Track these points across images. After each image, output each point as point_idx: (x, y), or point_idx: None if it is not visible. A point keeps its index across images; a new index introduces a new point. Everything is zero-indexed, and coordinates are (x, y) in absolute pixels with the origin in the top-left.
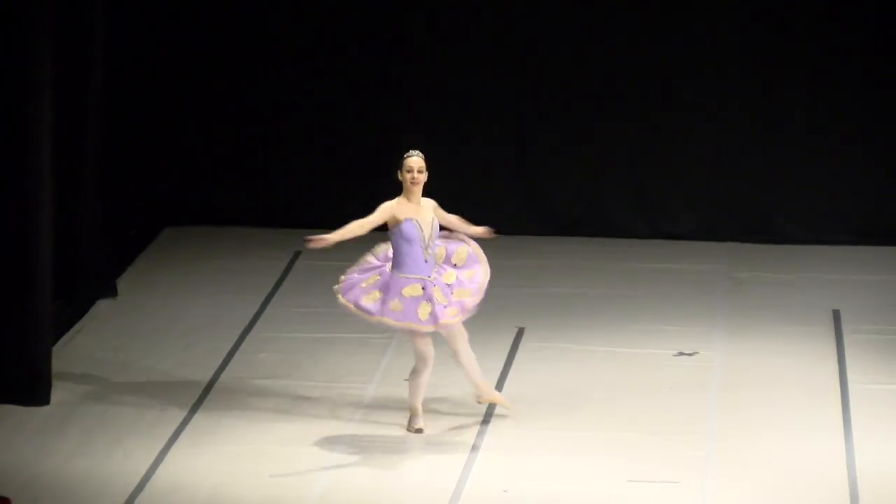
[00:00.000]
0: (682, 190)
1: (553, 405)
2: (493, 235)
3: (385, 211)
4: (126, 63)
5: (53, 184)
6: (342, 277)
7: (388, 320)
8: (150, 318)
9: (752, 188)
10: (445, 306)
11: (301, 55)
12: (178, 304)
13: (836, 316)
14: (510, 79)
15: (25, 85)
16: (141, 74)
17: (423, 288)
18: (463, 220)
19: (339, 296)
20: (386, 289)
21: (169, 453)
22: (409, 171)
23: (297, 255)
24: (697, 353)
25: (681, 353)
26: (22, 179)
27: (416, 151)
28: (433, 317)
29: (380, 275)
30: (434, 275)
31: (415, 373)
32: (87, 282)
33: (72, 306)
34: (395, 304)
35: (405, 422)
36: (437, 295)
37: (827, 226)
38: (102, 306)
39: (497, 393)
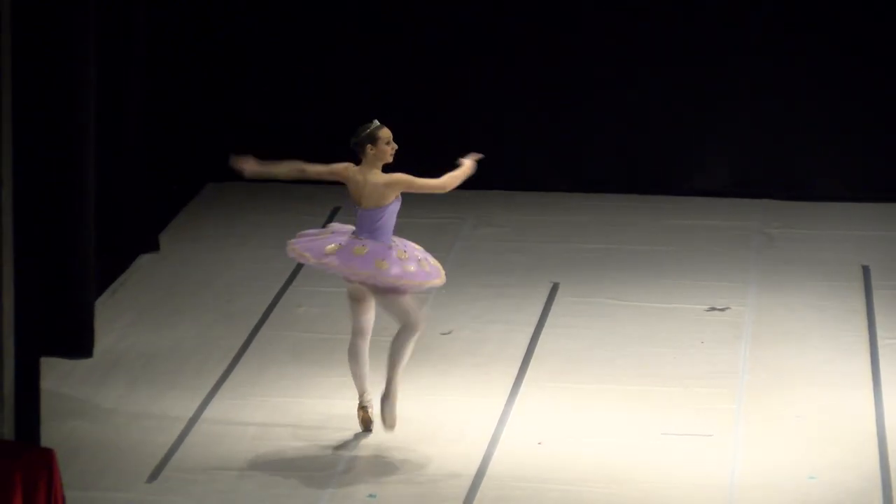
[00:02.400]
0: (716, 146)
1: (587, 359)
2: None
3: (343, 173)
4: (169, 18)
5: (97, 139)
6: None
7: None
8: (192, 272)
9: (785, 145)
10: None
11: (346, 16)
12: (220, 259)
13: (866, 271)
14: (540, 35)
15: (68, 41)
16: (184, 30)
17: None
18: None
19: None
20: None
21: (209, 405)
22: (388, 143)
23: (335, 210)
24: (729, 307)
25: (713, 308)
26: (66, 135)
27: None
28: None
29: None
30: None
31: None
32: (129, 236)
33: (115, 260)
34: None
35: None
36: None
37: (858, 182)
38: (145, 260)
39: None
